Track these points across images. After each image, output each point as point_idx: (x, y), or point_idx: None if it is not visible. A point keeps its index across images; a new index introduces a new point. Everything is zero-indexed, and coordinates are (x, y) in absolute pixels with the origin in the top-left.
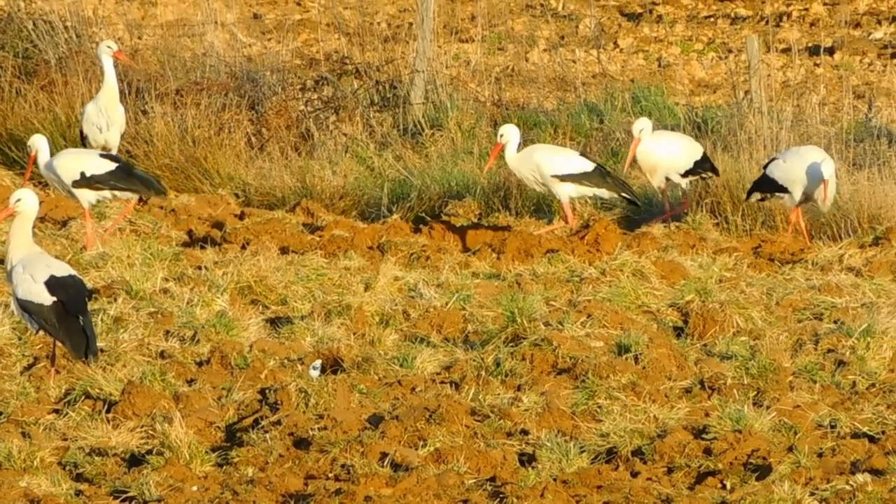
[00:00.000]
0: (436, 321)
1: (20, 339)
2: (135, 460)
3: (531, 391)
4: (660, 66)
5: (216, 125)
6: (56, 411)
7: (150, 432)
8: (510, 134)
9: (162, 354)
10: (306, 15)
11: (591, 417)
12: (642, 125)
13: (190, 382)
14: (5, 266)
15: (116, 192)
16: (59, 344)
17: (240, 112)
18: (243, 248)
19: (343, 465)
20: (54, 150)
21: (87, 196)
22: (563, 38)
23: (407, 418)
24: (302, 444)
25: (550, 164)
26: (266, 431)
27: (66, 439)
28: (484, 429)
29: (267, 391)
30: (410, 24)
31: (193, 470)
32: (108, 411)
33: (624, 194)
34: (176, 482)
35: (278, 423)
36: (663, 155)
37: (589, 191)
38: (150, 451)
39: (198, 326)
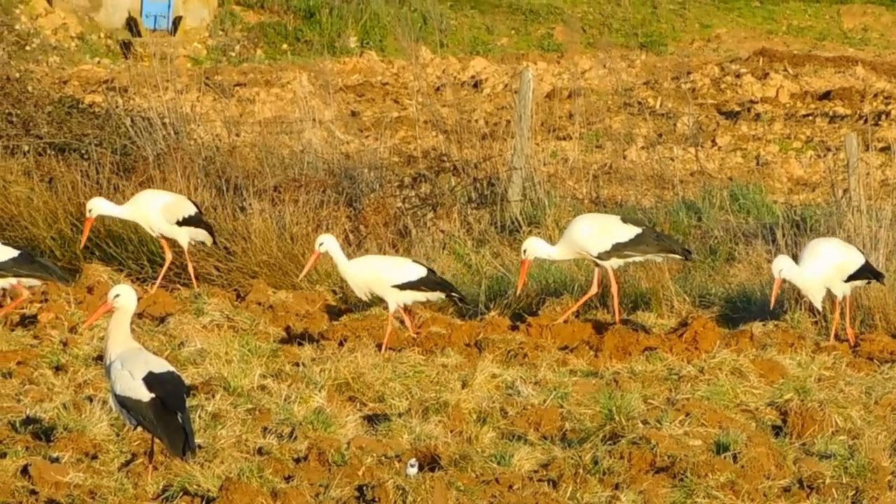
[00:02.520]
0: (533, 419)
1: (118, 435)
2: None
3: (629, 490)
4: (758, 164)
5: (314, 222)
6: None
7: None
8: (329, 244)
9: (260, 451)
10: (404, 112)
11: None
12: (781, 265)
13: (288, 479)
14: (104, 362)
15: (21, 279)
16: (157, 440)
17: (337, 209)
18: (341, 344)
19: None
20: (154, 246)
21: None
22: (660, 135)
23: None
24: None
25: (391, 274)
26: None
27: None
28: None
29: (364, 488)
30: (508, 121)
31: None
32: None
33: (453, 294)
34: None
35: None
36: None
37: (423, 296)
38: None
39: (295, 423)
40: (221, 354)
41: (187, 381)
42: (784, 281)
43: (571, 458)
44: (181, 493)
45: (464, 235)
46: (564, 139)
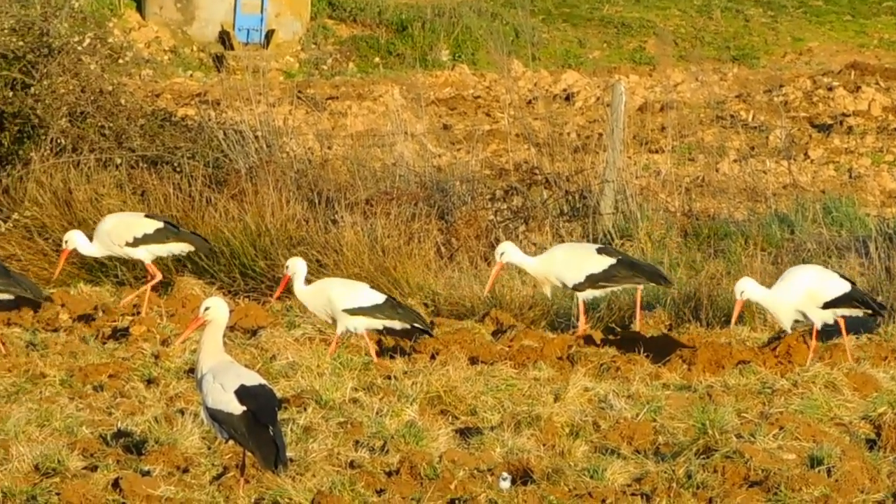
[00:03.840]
0: (626, 432)
1: (209, 448)
2: None
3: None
4: (850, 176)
5: (406, 235)
6: None
7: None
8: (296, 266)
9: (351, 464)
10: (496, 125)
11: None
12: (743, 286)
13: (380, 493)
14: (195, 374)
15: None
16: (248, 453)
17: (429, 222)
18: (433, 357)
19: None
20: (246, 259)
21: None
22: (753, 148)
23: None
24: None
25: (342, 299)
26: None
27: None
28: None
29: (457, 502)
30: (600, 134)
31: None
32: None
33: (416, 325)
34: None
35: None
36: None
37: (379, 323)
38: None
39: (387, 436)
40: (313, 367)
41: (279, 395)
42: (747, 302)
43: (665, 472)
44: None
45: None
46: (656, 152)
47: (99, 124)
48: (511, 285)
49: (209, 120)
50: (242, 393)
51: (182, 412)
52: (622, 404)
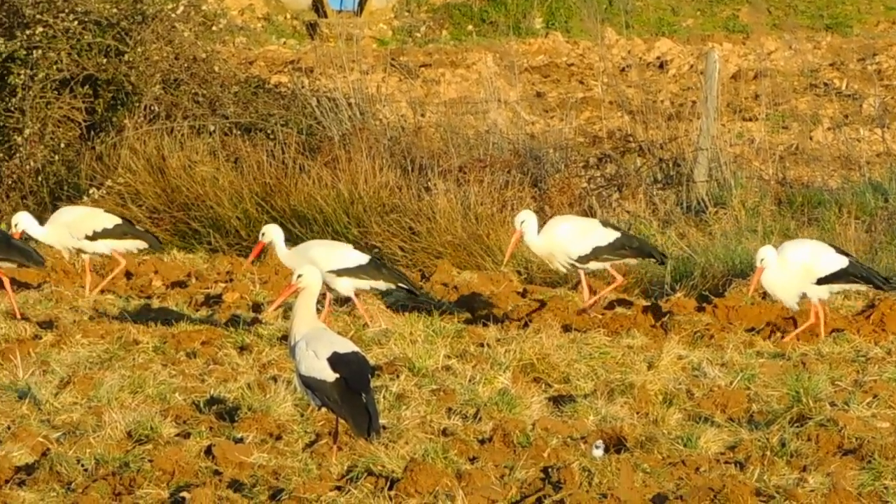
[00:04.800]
0: (720, 400)
1: (302, 415)
2: None
3: (817, 472)
4: None
5: (499, 202)
6: (338, 488)
7: None
8: (272, 233)
9: (444, 432)
10: (589, 93)
11: (878, 499)
12: (764, 254)
13: (472, 460)
14: (288, 342)
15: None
16: (341, 421)
17: (523, 189)
18: (525, 325)
19: None
20: (338, 227)
21: None
22: (847, 116)
23: (691, 498)
24: None
25: (325, 260)
26: None
27: None
28: None
29: (550, 470)
30: (693, 102)
31: None
32: (390, 488)
33: (401, 285)
34: None
35: (561, 502)
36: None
37: (366, 283)
38: None
39: (480, 404)
40: (406, 335)
41: (372, 362)
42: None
43: (758, 440)
44: (365, 474)
45: (649, 216)
46: (750, 120)
47: (192, 91)
48: None
49: (302, 87)
50: (335, 360)
51: (275, 379)
52: (716, 372)
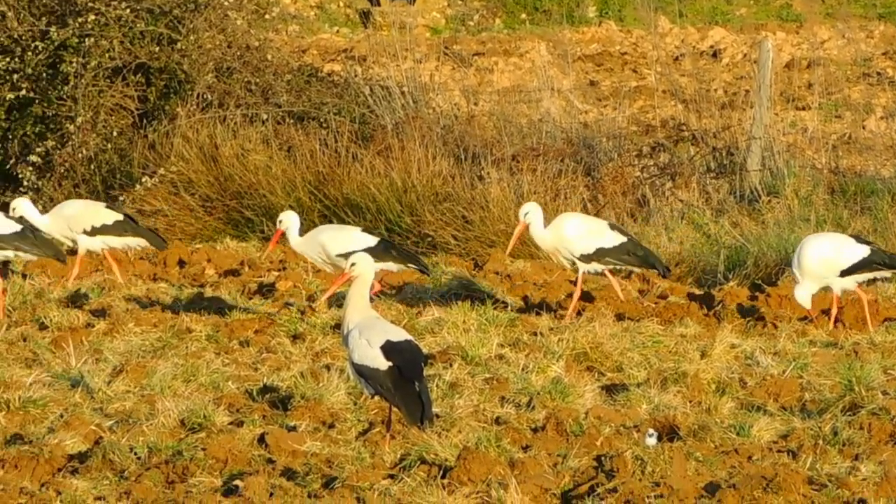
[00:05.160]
0: (772, 389)
1: (355, 403)
2: None
3: (869, 460)
4: None
5: (552, 191)
6: (391, 476)
7: (486, 498)
8: (289, 220)
9: (497, 420)
10: (642, 82)
11: None
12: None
13: (525, 449)
14: (341, 330)
15: (20, 254)
16: (394, 409)
17: (575, 178)
18: (579, 314)
19: None
20: (391, 215)
21: None
22: None
23: (743, 486)
24: None
25: (334, 243)
26: (602, 499)
27: None
28: (821, 498)
29: (603, 458)
30: (747, 91)
31: None
32: (443, 477)
33: (411, 265)
34: None
35: (614, 490)
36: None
37: (376, 266)
38: None
39: (533, 392)
40: (459, 324)
41: (425, 350)
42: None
43: (811, 429)
44: (418, 462)
45: (702, 205)
46: (803, 109)
47: (245, 80)
48: (658, 242)
49: (355, 76)
50: (388, 348)
51: (328, 367)
52: (768, 361)
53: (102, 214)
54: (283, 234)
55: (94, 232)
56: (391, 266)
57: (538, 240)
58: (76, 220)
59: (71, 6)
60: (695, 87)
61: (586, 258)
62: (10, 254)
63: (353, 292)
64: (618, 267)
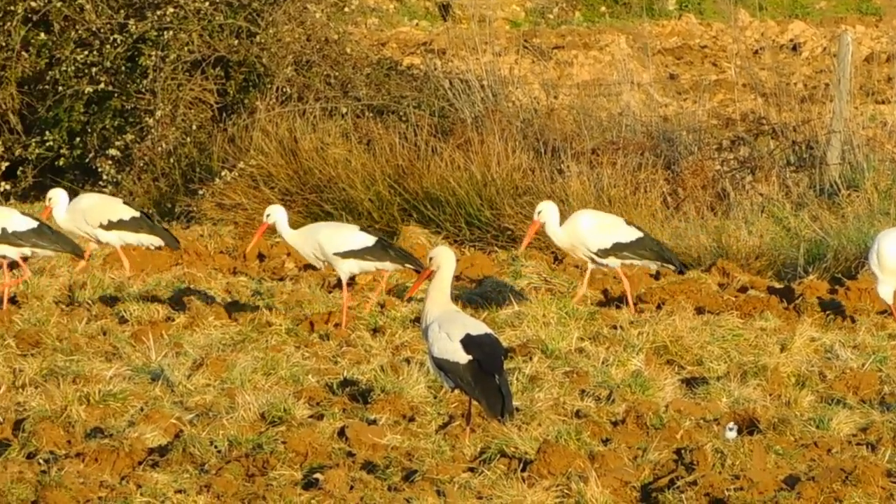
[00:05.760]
0: (852, 382)
1: (435, 397)
2: None
3: None
4: None
5: (632, 185)
6: (471, 469)
7: (566, 491)
8: (276, 214)
9: (577, 414)
10: (722, 75)
11: None
12: None
13: (605, 442)
14: (421, 323)
15: (37, 251)
16: (474, 402)
17: (655, 171)
18: (659, 307)
19: None
20: (471, 209)
21: (9, 252)
22: None
23: (823, 479)
24: None
25: (331, 242)
26: (682, 492)
27: (480, 497)
28: None
29: (683, 451)
30: (826, 84)
31: None
32: (523, 470)
33: (408, 265)
34: None
35: (694, 483)
36: None
37: (372, 265)
38: None
39: (613, 386)
40: (539, 317)
41: (504, 344)
42: None
43: (890, 422)
44: (498, 456)
45: (782, 198)
46: (883, 103)
47: (324, 73)
48: (737, 235)
49: (435, 69)
50: (468, 342)
51: (408, 361)
52: (848, 354)
53: (119, 210)
54: (270, 228)
55: (111, 226)
56: (388, 266)
57: (554, 237)
58: (92, 213)
59: None
60: (775, 80)
61: (603, 253)
62: (26, 251)
63: (433, 286)
64: (634, 262)
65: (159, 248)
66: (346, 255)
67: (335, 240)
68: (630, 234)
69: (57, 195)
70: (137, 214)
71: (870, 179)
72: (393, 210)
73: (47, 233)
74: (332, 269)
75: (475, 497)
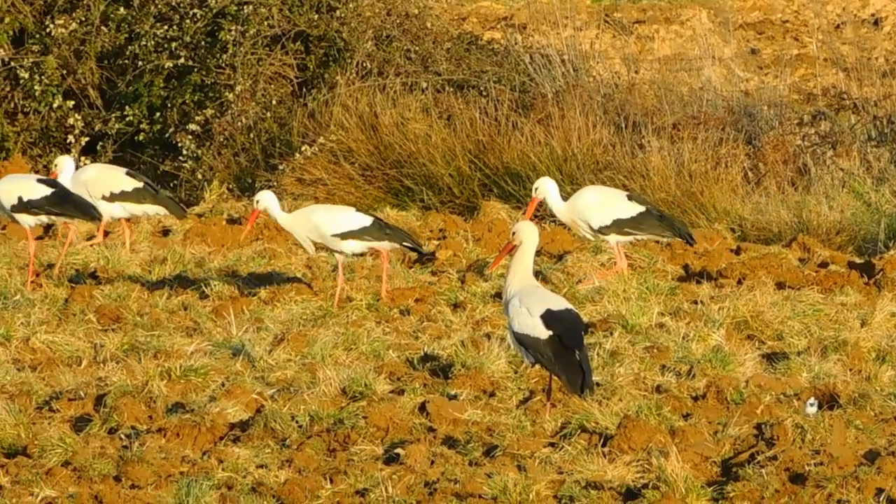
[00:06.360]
0: None
1: (516, 372)
2: (630, 494)
3: None
4: None
5: (713, 159)
6: (552, 445)
7: (646, 466)
8: (267, 200)
9: (658, 389)
10: (804, 50)
11: None
12: None
13: (686, 417)
14: (502, 298)
15: (53, 217)
16: (554, 378)
17: (736, 146)
18: (739, 283)
19: (838, 501)
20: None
21: (26, 220)
22: None
23: None
24: (797, 479)
25: (329, 224)
26: (762, 466)
27: (561, 473)
28: None
29: (763, 426)
30: None
31: None
32: (603, 445)
33: (406, 244)
34: None
35: (774, 458)
36: None
37: (370, 245)
38: (645, 485)
39: (693, 361)
40: (619, 292)
41: (585, 319)
42: None
43: None
44: (579, 431)
45: (863, 173)
46: None
47: (405, 48)
48: (818, 210)
49: (515, 44)
50: (549, 317)
51: (488, 336)
52: None
53: (122, 181)
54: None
55: (114, 198)
56: (385, 245)
57: (556, 212)
58: (95, 185)
59: None
60: (856, 55)
61: (605, 230)
62: (43, 218)
63: (515, 260)
64: (639, 237)
65: (163, 217)
66: (344, 235)
67: (333, 222)
68: (631, 210)
69: (63, 162)
70: (141, 185)
71: None
72: (473, 185)
73: (57, 200)
74: (328, 250)
75: (556, 472)
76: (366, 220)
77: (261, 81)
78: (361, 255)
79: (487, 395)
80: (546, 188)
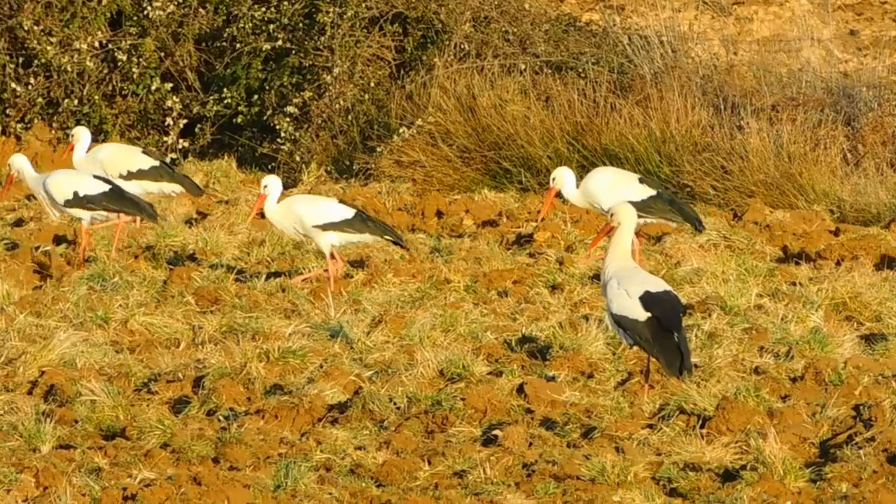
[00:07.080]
0: None
1: (614, 354)
2: (728, 475)
3: None
4: None
5: (812, 141)
6: (650, 426)
7: (744, 448)
8: (271, 186)
9: (756, 370)
10: None
11: None
12: None
13: (784, 398)
14: (601, 279)
15: (108, 213)
16: (652, 359)
17: (835, 128)
18: (838, 264)
19: None
20: (650, 165)
21: (81, 215)
22: None
23: None
24: (895, 460)
25: (311, 215)
26: (860, 448)
27: (659, 454)
28: None
29: (861, 408)
30: None
31: (787, 486)
32: (702, 426)
33: (387, 237)
34: (769, 497)
35: (872, 439)
36: None
37: (352, 237)
38: (743, 467)
39: (792, 342)
40: (718, 274)
41: (683, 301)
42: None
43: None
44: (677, 412)
45: None
46: None
47: (503, 29)
48: None
49: (614, 25)
50: (647, 299)
51: (586, 318)
52: None
53: (139, 159)
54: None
55: (130, 177)
56: (367, 238)
57: (571, 200)
58: (111, 163)
59: None
60: None
61: (320, 227)
62: (99, 214)
63: (613, 242)
64: (649, 220)
65: (179, 195)
66: (325, 227)
67: (314, 212)
68: (642, 192)
69: (79, 132)
70: (157, 163)
71: None
72: (571, 166)
73: (115, 197)
74: (312, 242)
75: (654, 453)
76: (348, 212)
77: (358, 63)
78: (342, 247)
79: (585, 377)
80: (563, 177)
